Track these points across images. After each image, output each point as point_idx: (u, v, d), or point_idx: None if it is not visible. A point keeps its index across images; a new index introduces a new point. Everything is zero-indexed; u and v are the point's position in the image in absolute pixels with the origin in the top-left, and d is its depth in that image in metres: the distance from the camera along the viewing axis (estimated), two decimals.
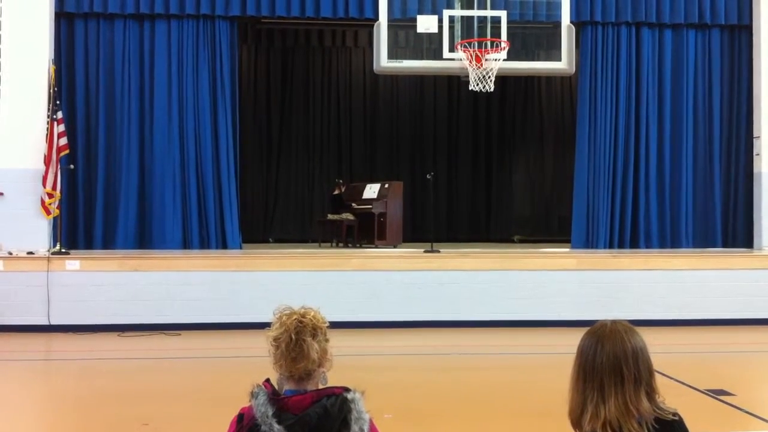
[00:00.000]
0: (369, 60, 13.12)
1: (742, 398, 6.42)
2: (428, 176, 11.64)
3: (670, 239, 12.31)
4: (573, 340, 2.59)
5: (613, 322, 2.42)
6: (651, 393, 2.34)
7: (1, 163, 10.86)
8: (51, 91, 10.94)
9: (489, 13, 10.71)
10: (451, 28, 10.63)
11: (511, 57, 10.58)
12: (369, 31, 12.02)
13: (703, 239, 12.38)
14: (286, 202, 16.24)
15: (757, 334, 10.07)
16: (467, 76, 10.46)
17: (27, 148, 10.89)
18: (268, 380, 2.44)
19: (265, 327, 2.49)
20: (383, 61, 10.70)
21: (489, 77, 10.33)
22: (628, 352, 2.32)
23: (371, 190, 13.20)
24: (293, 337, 2.40)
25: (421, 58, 10.93)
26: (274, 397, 2.37)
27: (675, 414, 2.34)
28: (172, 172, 11.71)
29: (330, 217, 13.23)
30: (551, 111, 16.73)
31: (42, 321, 9.81)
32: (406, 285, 10.32)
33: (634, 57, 12.31)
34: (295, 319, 2.44)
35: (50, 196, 10.74)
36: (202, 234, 11.82)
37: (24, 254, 10.25)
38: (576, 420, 2.36)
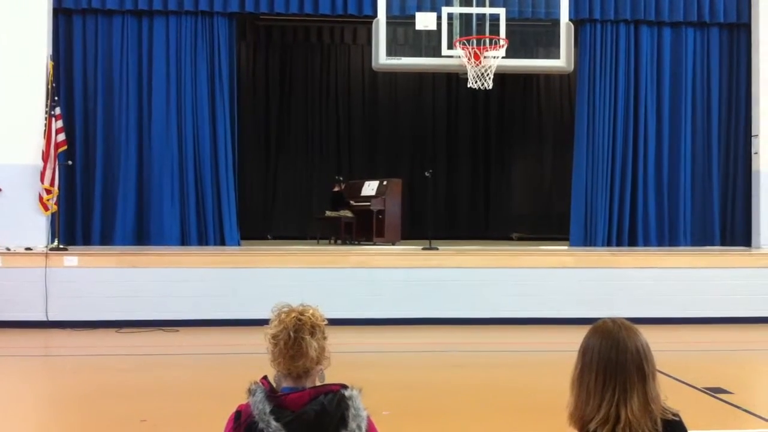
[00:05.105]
0: (368, 57, 13.07)
1: (740, 396, 6.42)
2: (427, 174, 11.65)
3: (668, 237, 12.32)
4: (571, 337, 2.58)
5: (614, 320, 2.39)
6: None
7: None
8: (49, 87, 10.94)
9: (487, 10, 10.69)
10: (450, 25, 10.62)
11: (509, 54, 10.57)
12: (368, 28, 11.99)
13: (702, 237, 12.39)
14: (284, 199, 16.22)
15: (755, 332, 10.08)
16: (466, 74, 10.46)
17: (25, 144, 10.88)
18: (265, 377, 2.44)
19: (264, 324, 2.48)
20: (382, 58, 10.69)
21: (488, 75, 10.33)
22: (646, 348, 2.31)
23: (370, 188, 13.19)
24: (292, 334, 2.39)
25: (420, 56, 10.92)
26: (272, 394, 2.36)
27: (676, 414, 2.33)
28: (170, 168, 11.71)
29: (328, 214, 13.20)
30: (550, 109, 16.72)
31: (40, 317, 9.79)
32: (404, 282, 10.32)
33: (633, 55, 12.31)
34: (294, 316, 2.43)
35: (48, 192, 10.74)
36: (200, 230, 11.81)
37: (22, 250, 10.24)
38: (581, 421, 2.31)
